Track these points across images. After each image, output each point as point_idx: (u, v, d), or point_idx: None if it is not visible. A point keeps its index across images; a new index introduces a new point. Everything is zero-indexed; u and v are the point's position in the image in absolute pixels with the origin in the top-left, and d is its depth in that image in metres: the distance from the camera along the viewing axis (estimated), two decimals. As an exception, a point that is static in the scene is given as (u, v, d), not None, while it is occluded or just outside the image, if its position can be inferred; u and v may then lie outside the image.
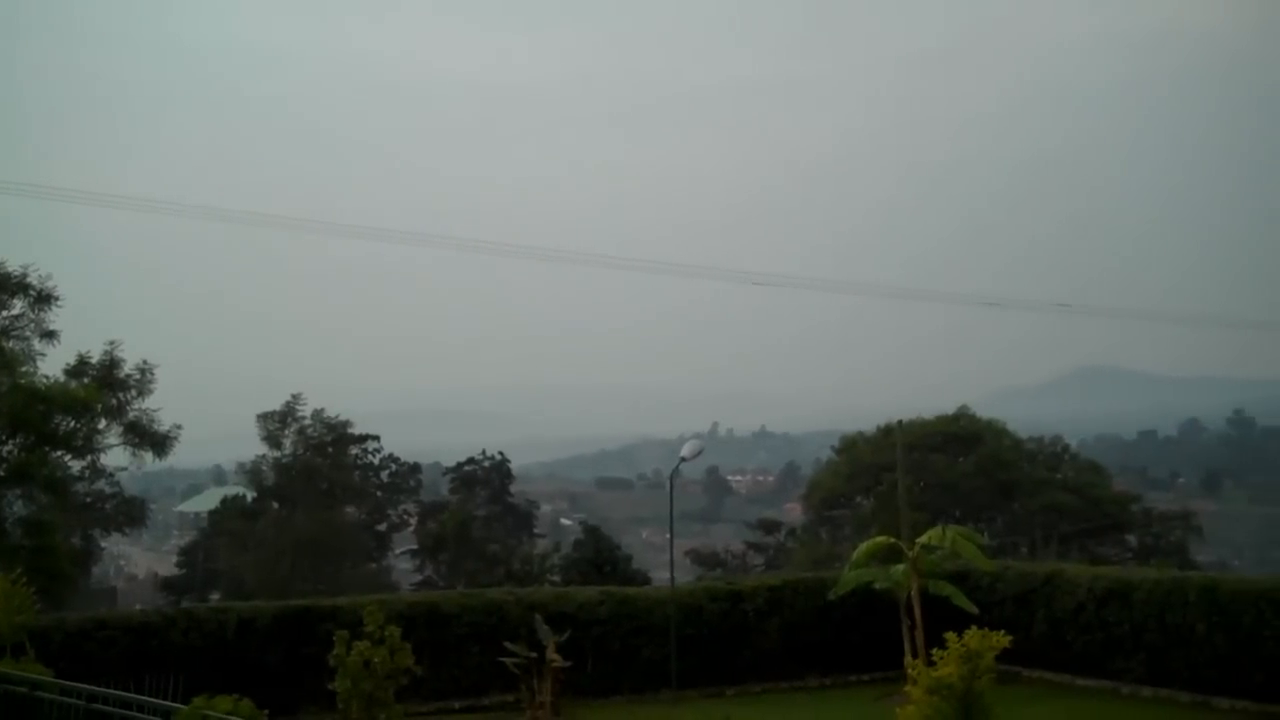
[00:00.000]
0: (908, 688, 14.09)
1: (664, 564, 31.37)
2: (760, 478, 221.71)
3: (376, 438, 67.10)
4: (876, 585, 27.27)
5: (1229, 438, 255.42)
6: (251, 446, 60.37)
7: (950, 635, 13.93)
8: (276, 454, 59.79)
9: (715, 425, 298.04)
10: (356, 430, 64.03)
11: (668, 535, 33.16)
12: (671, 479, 32.45)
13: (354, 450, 65.15)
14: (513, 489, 72.46)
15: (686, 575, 55.20)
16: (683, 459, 30.31)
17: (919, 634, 25.02)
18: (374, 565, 65.02)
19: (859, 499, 71.74)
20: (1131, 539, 71.59)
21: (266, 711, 17.40)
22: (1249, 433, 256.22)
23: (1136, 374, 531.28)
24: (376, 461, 67.87)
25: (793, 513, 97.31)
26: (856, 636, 28.90)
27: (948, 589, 26.44)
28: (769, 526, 76.69)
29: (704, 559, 71.34)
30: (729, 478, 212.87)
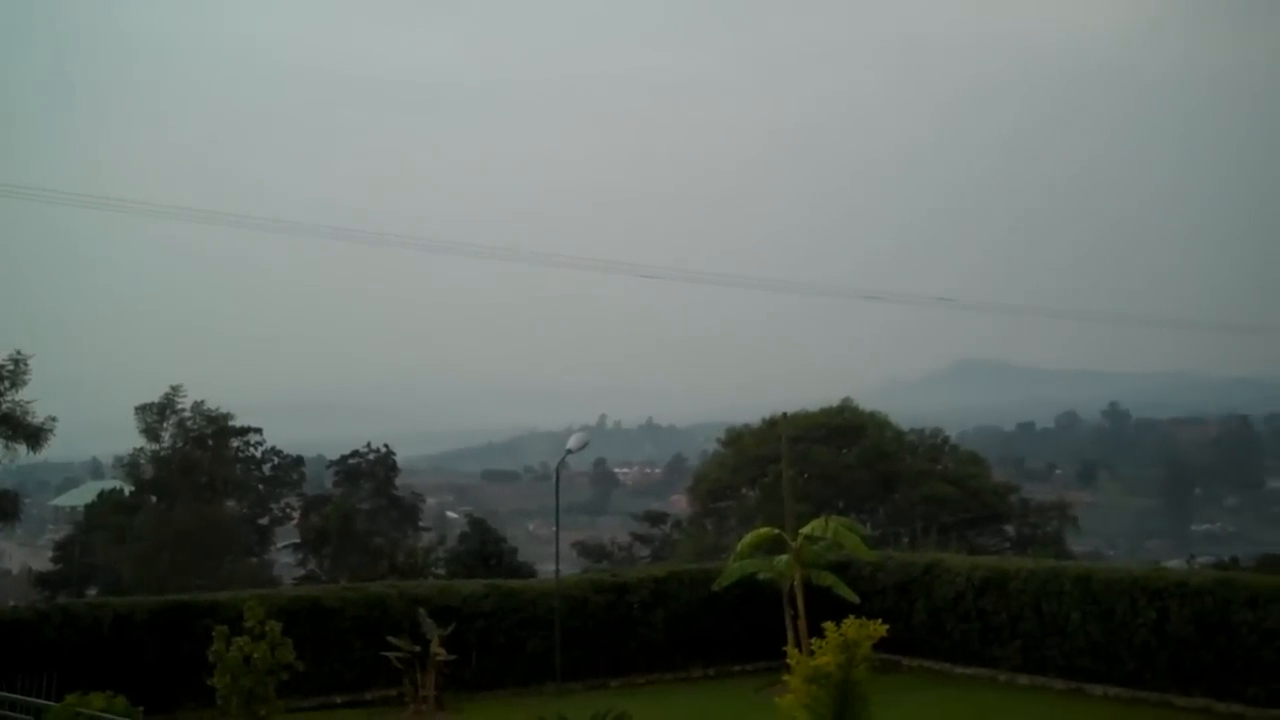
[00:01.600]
0: (786, 677, 14.24)
1: (550, 556, 31.32)
2: (647, 470, 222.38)
3: (258, 430, 66.21)
4: (760, 576, 27.48)
5: (1104, 430, 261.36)
6: (129, 439, 59.23)
7: (829, 625, 14.10)
8: (155, 447, 58.64)
9: (603, 418, 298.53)
10: (238, 423, 63.11)
11: (554, 527, 33.16)
12: (558, 471, 32.41)
13: (235, 443, 64.16)
14: (398, 482, 71.85)
15: (573, 567, 55.14)
16: (569, 451, 30.34)
17: (801, 624, 25.25)
18: (255, 560, 64.12)
19: (744, 491, 72.18)
20: (1010, 529, 72.91)
21: (142, 708, 17.16)
22: (1123, 425, 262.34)
23: (1015, 367, 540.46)
24: (258, 454, 66.99)
25: (679, 505, 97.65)
26: (740, 627, 29.13)
27: (830, 579, 26.72)
28: (655, 518, 76.87)
29: (590, 551, 71.37)
30: (616, 470, 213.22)
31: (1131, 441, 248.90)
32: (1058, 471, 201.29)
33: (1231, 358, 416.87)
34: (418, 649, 24.77)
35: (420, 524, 72.90)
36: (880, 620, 14.43)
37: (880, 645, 15.51)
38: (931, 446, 78.26)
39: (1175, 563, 59.47)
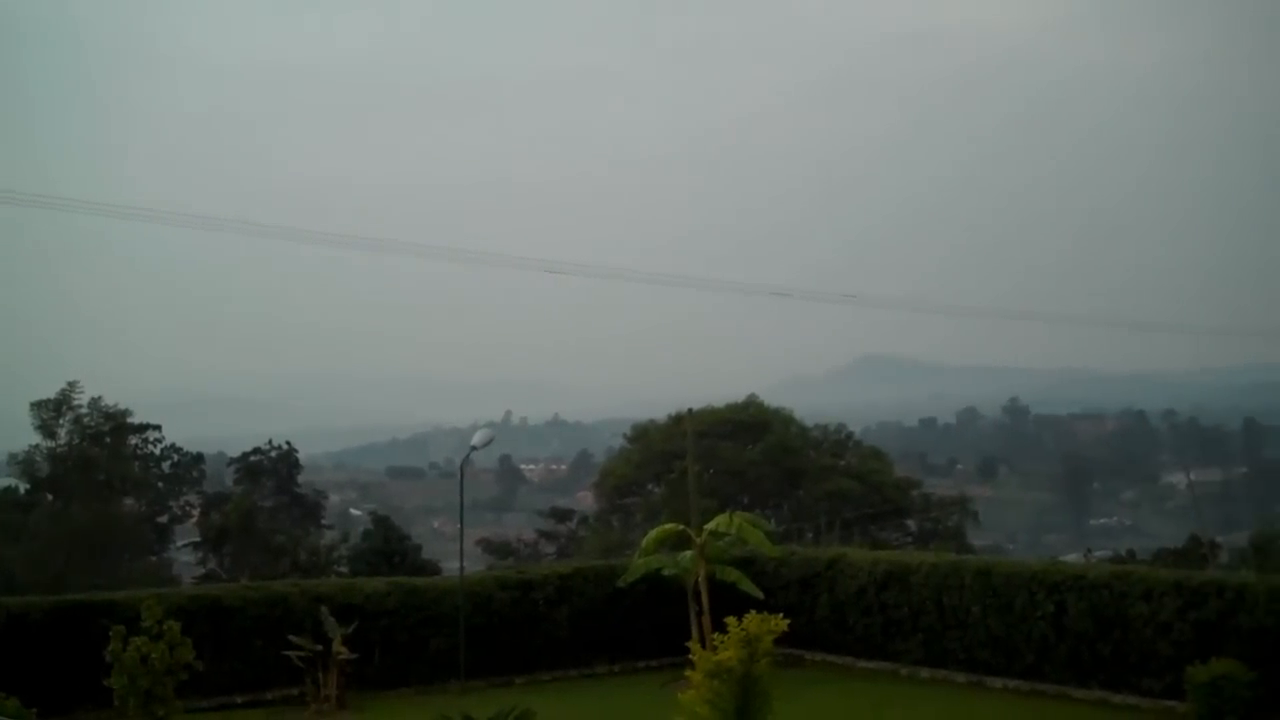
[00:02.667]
0: (688, 673, 14.28)
1: (455, 554, 31.22)
2: (553, 466, 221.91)
3: (157, 427, 65.25)
4: (665, 572, 27.59)
5: (1004, 425, 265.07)
6: (24, 436, 58.17)
7: (731, 620, 14.16)
8: (51, 444, 57.68)
9: (508, 414, 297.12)
10: (136, 420, 62.18)
11: (459, 525, 33.03)
12: (462, 468, 32.30)
13: (133, 440, 63.22)
14: (300, 479, 71.10)
15: (478, 565, 54.94)
16: (474, 448, 30.22)
17: (706, 619, 25.37)
18: (154, 559, 63.14)
19: (650, 486, 72.41)
20: (912, 524, 73.65)
21: (35, 710, 16.85)
22: (1023, 421, 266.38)
23: (918, 363, 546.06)
24: (157, 452, 66.02)
25: (585, 501, 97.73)
26: (645, 623, 29.19)
27: (734, 574, 26.88)
28: (561, 515, 76.78)
29: (496, 548, 71.10)
30: (522, 466, 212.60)
31: (1031, 437, 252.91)
32: (959, 466, 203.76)
33: (1129, 354, 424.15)
34: (319, 648, 24.60)
35: (323, 522, 72.17)
36: (782, 615, 14.50)
37: (783, 640, 15.59)
38: (835, 442, 78.89)
39: (1073, 557, 60.42)
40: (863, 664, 28.42)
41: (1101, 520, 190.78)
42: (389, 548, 50.57)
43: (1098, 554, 63.00)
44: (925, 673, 27.11)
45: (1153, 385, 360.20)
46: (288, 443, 69.92)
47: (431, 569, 48.40)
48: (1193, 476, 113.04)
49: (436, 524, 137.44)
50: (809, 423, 78.70)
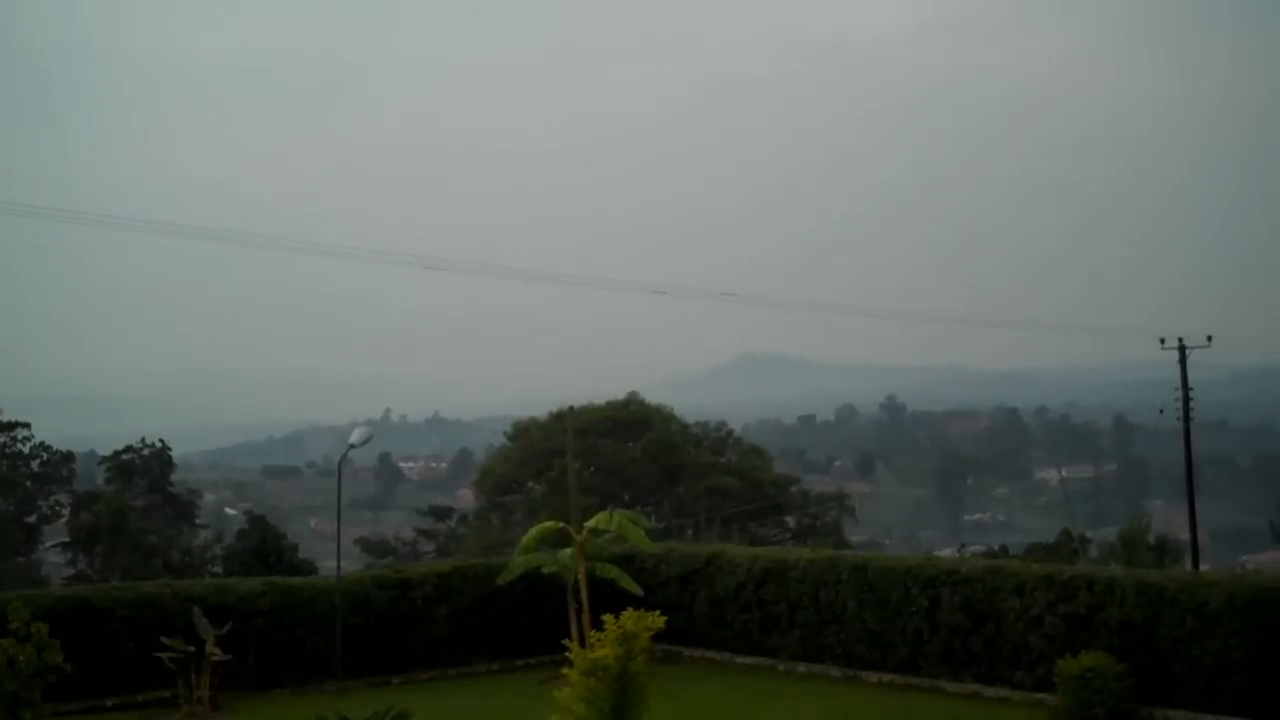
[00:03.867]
0: (565, 670, 14.25)
1: (332, 553, 30.89)
2: (433, 464, 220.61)
3: (26, 425, 63.90)
4: (545, 570, 27.51)
5: (881, 422, 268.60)
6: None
7: (608, 617, 14.15)
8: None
9: (388, 411, 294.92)
10: (4, 418, 60.78)
11: (336, 523, 32.69)
12: (340, 466, 32.00)
13: (1, 438, 61.83)
14: (174, 478, 69.91)
15: (356, 564, 54.49)
16: (352, 445, 29.87)
17: (585, 617, 25.34)
18: (22, 559, 61.78)
19: (531, 484, 72.31)
20: (790, 520, 74.38)
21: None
22: (899, 418, 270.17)
23: (797, 361, 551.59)
24: (26, 450, 64.68)
25: (465, 499, 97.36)
26: (525, 621, 29.06)
27: (614, 572, 26.90)
28: (440, 513, 76.40)
29: (374, 547, 70.63)
30: (401, 464, 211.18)
31: (907, 434, 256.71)
32: (837, 463, 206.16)
33: (1002, 352, 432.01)
34: (192, 649, 24.21)
35: (197, 521, 71.04)
36: (660, 612, 14.52)
37: (662, 636, 15.62)
38: (715, 439, 79.44)
39: (948, 552, 61.38)
40: (740, 659, 28.57)
41: (976, 516, 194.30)
42: (264, 547, 49.79)
43: (971, 549, 64.10)
44: (802, 667, 27.34)
45: (1026, 383, 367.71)
46: (161, 441, 68.69)
47: (308, 568, 47.78)
48: (1064, 472, 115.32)
49: (314, 523, 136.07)
50: (689, 420, 79.18)
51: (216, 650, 24.27)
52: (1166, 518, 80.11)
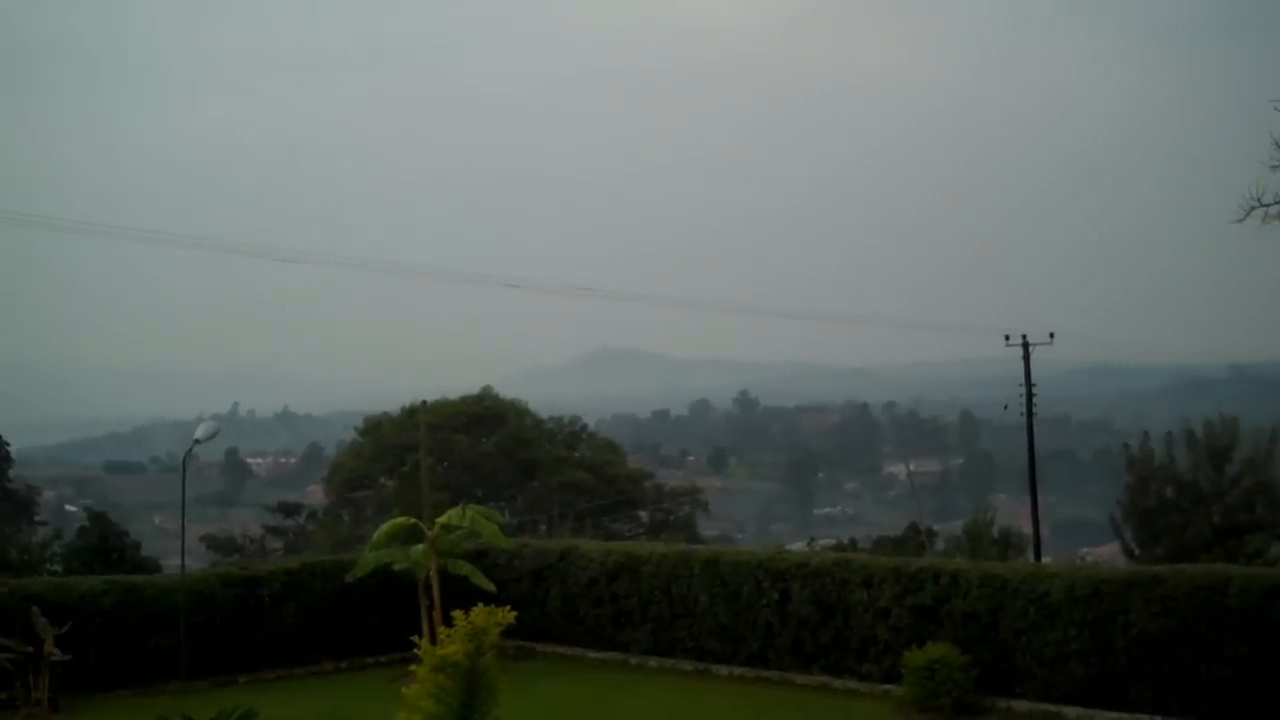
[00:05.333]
0: (413, 667, 14.11)
1: (177, 551, 30.22)
2: (282, 459, 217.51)
3: None
4: (396, 566, 27.20)
5: (734, 417, 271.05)
6: None
7: (458, 613, 14.03)
8: None
9: (235, 406, 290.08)
10: None
11: (181, 520, 32.03)
12: (185, 462, 31.31)
13: None
14: (11, 474, 67.84)
15: (201, 562, 53.31)
16: (197, 441, 29.22)
17: (437, 613, 25.12)
18: None
19: (382, 480, 71.56)
20: (644, 515, 74.62)
21: None
22: (752, 412, 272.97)
23: (652, 356, 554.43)
24: None
25: (315, 495, 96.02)
26: (375, 618, 28.72)
27: (466, 568, 26.70)
28: (289, 509, 75.24)
29: (220, 544, 69.22)
30: (249, 460, 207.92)
31: (760, 428, 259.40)
32: (691, 458, 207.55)
33: (854, 349, 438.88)
34: (30, 649, 23.50)
35: (36, 518, 69.04)
36: (509, 607, 14.42)
37: (515, 632, 15.52)
38: (570, 434, 79.40)
39: (798, 545, 62.05)
40: (593, 654, 28.57)
41: (826, 510, 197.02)
42: (106, 545, 48.58)
43: (821, 542, 64.86)
44: (654, 662, 27.42)
45: (876, 379, 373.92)
46: (-3, 435, 66.60)
47: (152, 566, 46.74)
48: (912, 467, 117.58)
49: (158, 520, 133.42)
50: (544, 415, 79.03)
51: (55, 650, 23.61)
52: (1010, 511, 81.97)
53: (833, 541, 65.79)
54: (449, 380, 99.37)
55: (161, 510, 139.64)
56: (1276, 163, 16.65)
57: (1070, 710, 21.43)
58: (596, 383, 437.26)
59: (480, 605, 14.20)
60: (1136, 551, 41.58)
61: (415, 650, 14.20)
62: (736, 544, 77.12)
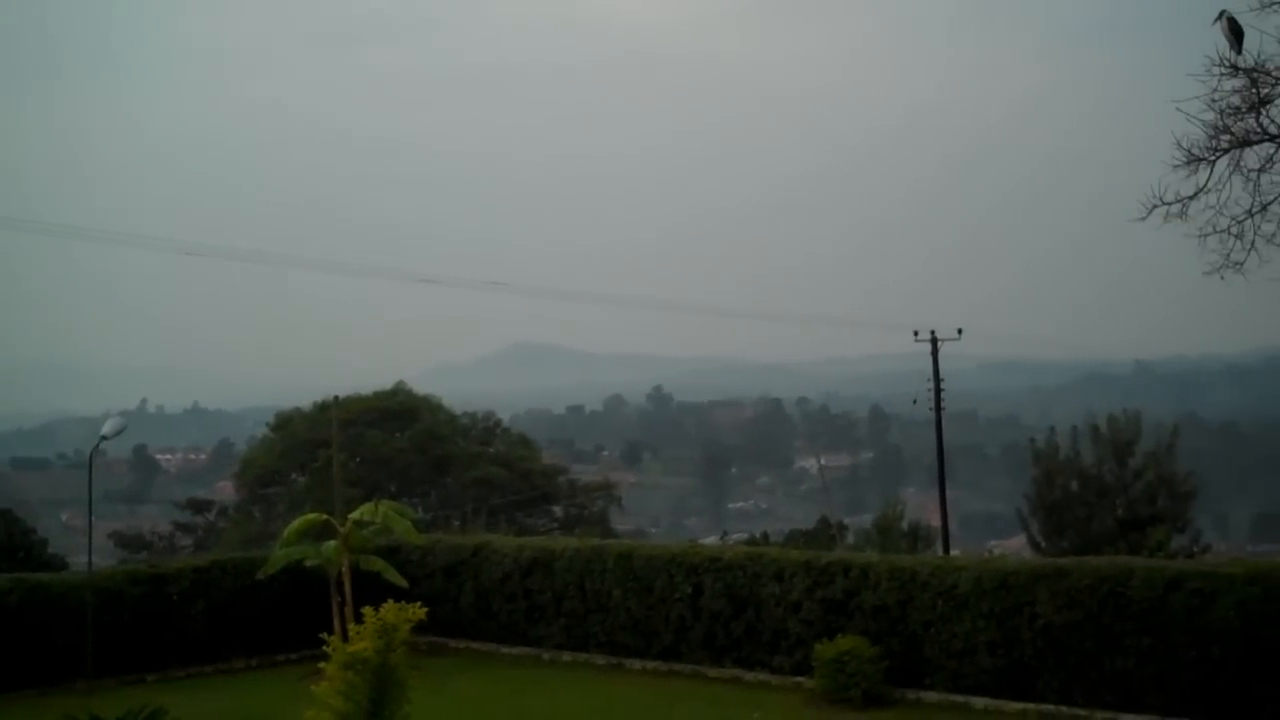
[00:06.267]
0: (322, 665, 14.06)
1: (84, 548, 29.80)
2: (192, 456, 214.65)
3: None
4: (307, 563, 27.04)
5: (648, 412, 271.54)
6: None
7: (368, 610, 14.01)
8: None
9: (144, 401, 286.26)
10: None
11: (89, 517, 31.63)
12: (92, 458, 30.91)
13: None
14: (-87, 471, 66.76)
15: (109, 559, 52.72)
16: (104, 437, 28.84)
17: (348, 610, 25.01)
18: None
19: (294, 476, 71.04)
20: (558, 510, 74.61)
21: None
22: (666, 408, 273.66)
23: (566, 351, 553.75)
24: None
25: (225, 491, 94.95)
26: (287, 615, 28.47)
27: (378, 564, 26.60)
28: (199, 506, 74.52)
29: (128, 541, 68.42)
30: (158, 456, 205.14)
31: (674, 423, 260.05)
32: (605, 453, 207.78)
33: (766, 345, 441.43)
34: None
35: (-62, 516, 67.85)
36: (420, 604, 14.42)
37: (428, 628, 15.54)
38: (484, 430, 79.24)
39: (711, 539, 62.38)
40: (506, 650, 28.55)
41: (739, 504, 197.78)
42: (11, 542, 47.82)
43: (734, 537, 65.24)
44: (567, 656, 27.45)
45: (788, 375, 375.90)
46: (-102, 432, 65.41)
47: (58, 564, 46.05)
48: (823, 461, 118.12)
49: (65, 517, 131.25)
50: (458, 410, 78.77)
51: (-43, 650, 23.24)
52: (919, 504, 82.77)
53: (745, 535, 66.16)
54: (362, 376, 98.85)
55: (68, 507, 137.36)
56: (1178, 162, 17.02)
57: (978, 700, 21.74)
58: (511, 378, 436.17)
59: (391, 602, 14.19)
60: (1042, 544, 42.16)
61: (325, 647, 14.17)
62: (650, 539, 77.44)
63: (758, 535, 63.70)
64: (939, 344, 51.79)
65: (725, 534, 72.96)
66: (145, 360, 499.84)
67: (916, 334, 52.16)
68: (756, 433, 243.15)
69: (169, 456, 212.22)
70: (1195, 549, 40.46)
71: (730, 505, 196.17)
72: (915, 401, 52.41)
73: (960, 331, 52.23)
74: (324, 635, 14.96)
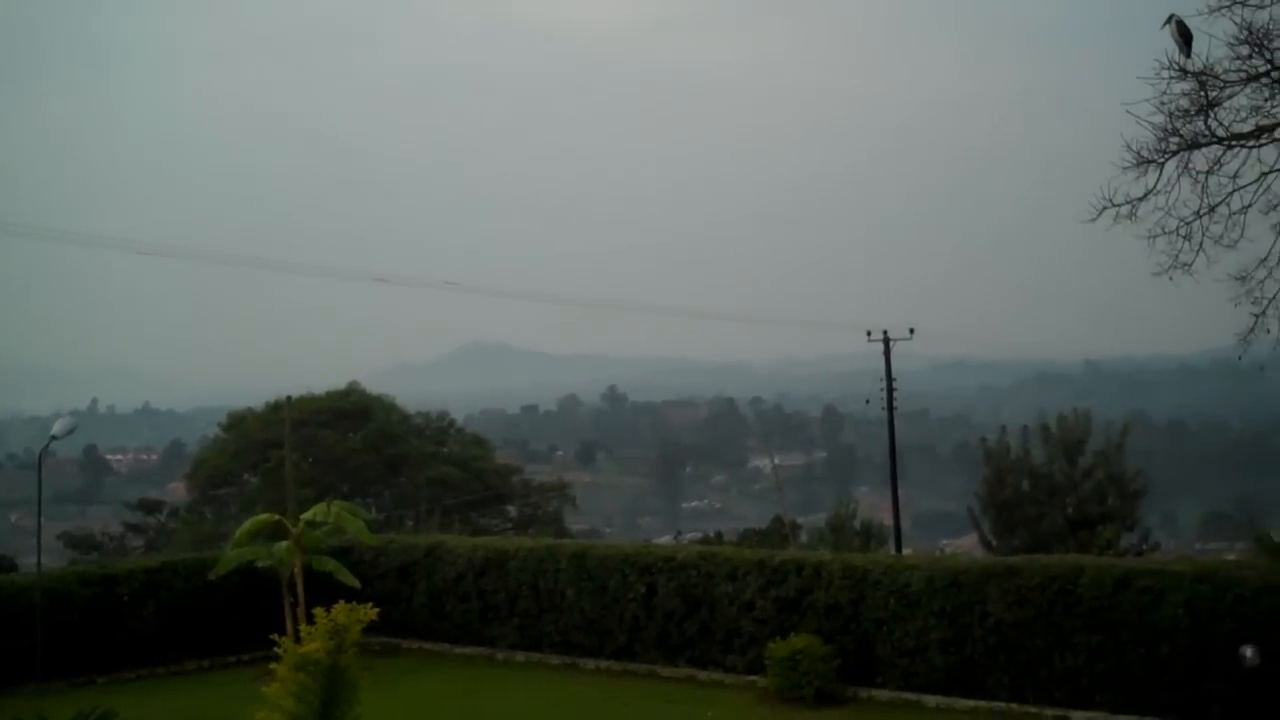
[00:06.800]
0: (273, 666, 14.01)
1: (34, 549, 29.57)
2: (143, 456, 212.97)
3: None
4: (259, 563, 26.87)
5: (603, 412, 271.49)
6: None
7: (319, 611, 13.96)
8: None
9: (95, 401, 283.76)
10: None
11: (37, 518, 31.39)
12: (41, 458, 30.66)
13: None
14: None
15: (59, 560, 52.22)
16: (54, 437, 28.61)
17: (300, 611, 24.90)
18: None
19: (246, 476, 70.65)
20: (512, 510, 74.53)
21: None
22: (621, 408, 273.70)
23: (520, 351, 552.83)
24: None
25: (177, 492, 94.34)
26: (239, 616, 28.31)
27: (331, 565, 26.47)
28: (150, 507, 73.95)
29: (78, 542, 67.86)
30: (109, 457, 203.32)
31: (628, 423, 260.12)
32: (559, 453, 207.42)
33: (721, 345, 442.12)
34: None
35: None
36: (372, 604, 14.38)
37: (381, 629, 15.49)
38: (438, 430, 79.07)
39: (665, 539, 62.43)
40: (459, 650, 28.48)
41: (694, 503, 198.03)
42: (-41, 544, 47.43)
43: (688, 536, 65.28)
44: (521, 656, 27.41)
45: (742, 374, 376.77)
46: None
47: (7, 565, 45.65)
48: (777, 460, 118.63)
49: (14, 518, 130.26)
50: (411, 410, 78.57)
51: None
52: (872, 504, 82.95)
53: (699, 535, 66.25)
54: (315, 376, 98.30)
55: (17, 508, 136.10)
56: (1128, 164, 17.19)
57: (930, 699, 21.87)
58: (465, 378, 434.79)
59: (343, 602, 14.15)
60: (994, 543, 42.45)
61: (277, 649, 14.11)
62: (605, 538, 77.34)
63: (712, 535, 63.73)
64: (891, 344, 52.06)
65: (679, 533, 73.00)
66: (96, 360, 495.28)
67: (869, 334, 52.45)
68: (711, 432, 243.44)
69: (120, 457, 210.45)
70: (1144, 547, 40.83)
71: (685, 505, 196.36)
72: (868, 401, 52.69)
73: (912, 331, 52.57)
74: (275, 636, 14.89)
